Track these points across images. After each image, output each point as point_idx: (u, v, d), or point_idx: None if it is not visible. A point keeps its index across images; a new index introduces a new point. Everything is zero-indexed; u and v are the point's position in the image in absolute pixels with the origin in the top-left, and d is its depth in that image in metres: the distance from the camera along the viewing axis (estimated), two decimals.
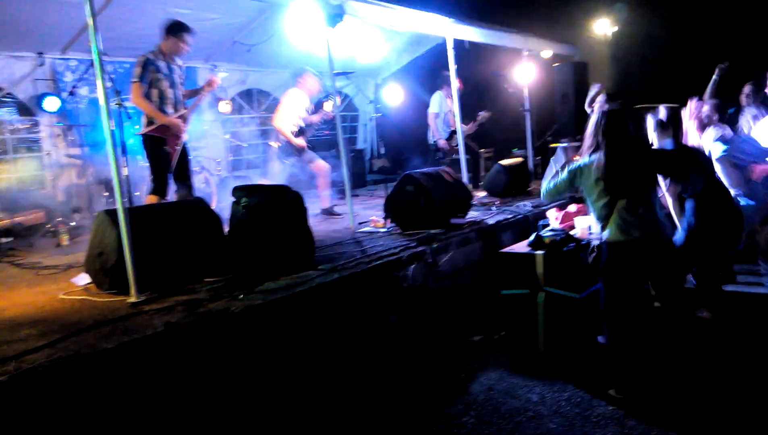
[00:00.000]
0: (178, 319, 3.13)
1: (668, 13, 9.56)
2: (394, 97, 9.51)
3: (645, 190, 3.47)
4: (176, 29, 4.91)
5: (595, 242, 4.32)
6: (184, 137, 5.08)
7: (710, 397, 3.39)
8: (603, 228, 3.53)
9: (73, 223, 6.10)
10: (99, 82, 3.57)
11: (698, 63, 7.08)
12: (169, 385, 2.86)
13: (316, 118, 6.74)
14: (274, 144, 6.83)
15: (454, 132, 7.85)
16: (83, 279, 3.99)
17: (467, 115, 7.91)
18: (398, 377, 3.91)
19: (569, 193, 3.99)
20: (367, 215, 6.16)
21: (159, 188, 4.92)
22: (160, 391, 2.82)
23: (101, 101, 3.58)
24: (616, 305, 3.52)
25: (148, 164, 5.03)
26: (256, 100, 9.38)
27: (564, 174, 3.64)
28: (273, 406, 3.26)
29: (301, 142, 6.56)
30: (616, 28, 11.04)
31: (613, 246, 3.48)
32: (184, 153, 5.18)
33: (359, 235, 5.32)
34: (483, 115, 8.19)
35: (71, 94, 6.40)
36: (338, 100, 5.74)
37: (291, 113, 6.58)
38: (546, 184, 3.80)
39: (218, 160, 7.77)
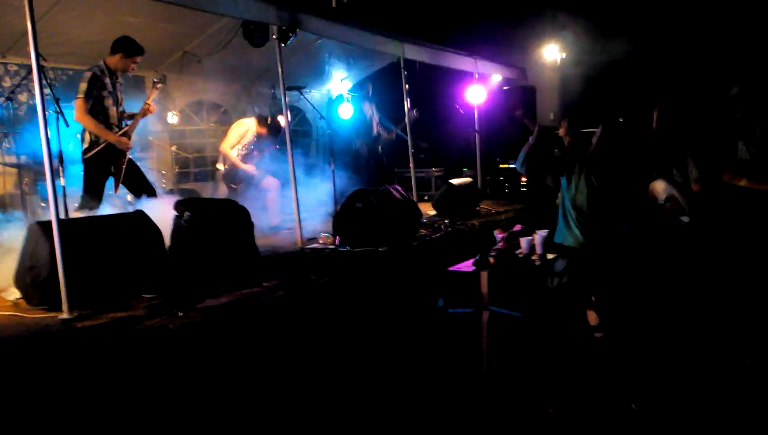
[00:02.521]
0: (111, 336, 3.02)
1: (616, 39, 9.93)
2: (347, 112, 9.52)
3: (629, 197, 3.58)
4: (130, 50, 4.76)
5: (539, 262, 4.41)
6: (128, 154, 4.96)
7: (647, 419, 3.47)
8: (564, 230, 3.60)
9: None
10: (37, 89, 3.46)
11: (646, 89, 7.35)
12: (99, 406, 2.74)
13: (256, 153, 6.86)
14: (221, 167, 6.77)
15: (376, 138, 8.11)
16: (13, 294, 3.80)
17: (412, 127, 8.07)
18: (337, 404, 3.86)
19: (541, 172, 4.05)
20: (317, 230, 6.11)
21: (87, 206, 4.72)
22: (89, 412, 2.69)
23: (38, 108, 3.46)
24: (562, 322, 3.57)
25: (83, 182, 4.84)
26: (206, 112, 9.22)
27: (553, 158, 3.82)
28: (211, 428, 3.16)
29: (249, 167, 6.55)
30: (564, 55, 11.41)
31: (570, 252, 3.55)
32: (134, 167, 5.05)
33: (306, 251, 5.27)
34: (411, 117, 8.26)
35: (9, 99, 6.13)
36: (289, 115, 5.70)
37: (239, 140, 6.62)
38: (522, 157, 3.92)
39: (164, 172, 7.59)
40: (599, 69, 10.18)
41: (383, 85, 9.17)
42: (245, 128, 6.70)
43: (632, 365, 3.62)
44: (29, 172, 6.17)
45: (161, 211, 4.66)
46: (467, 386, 4.03)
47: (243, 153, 6.64)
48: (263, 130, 6.73)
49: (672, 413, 3.52)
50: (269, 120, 6.79)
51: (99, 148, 4.70)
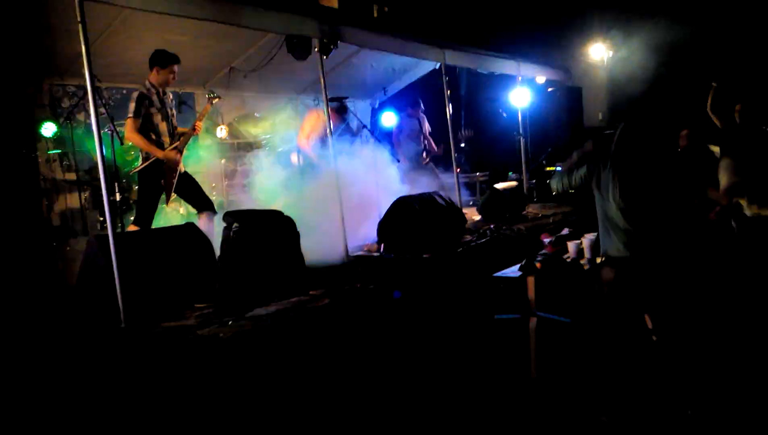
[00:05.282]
0: (165, 345, 3.13)
1: (665, 38, 9.67)
2: (390, 121, 9.57)
3: (665, 202, 3.37)
4: (164, 61, 4.90)
5: (588, 266, 4.32)
6: (181, 168, 5.09)
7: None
8: (605, 240, 3.43)
9: (68, 248, 6.09)
10: (91, 109, 3.62)
11: (695, 87, 7.12)
12: (157, 412, 2.84)
13: None
14: (295, 160, 6.85)
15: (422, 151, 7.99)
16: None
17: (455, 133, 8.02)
18: (382, 408, 3.87)
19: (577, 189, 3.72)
20: (362, 239, 6.15)
21: (141, 220, 4.85)
22: (147, 418, 2.79)
23: (93, 127, 3.62)
24: (613, 328, 3.46)
25: (137, 196, 5.01)
26: (252, 125, 9.43)
27: (584, 169, 3.52)
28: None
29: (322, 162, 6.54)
30: (611, 53, 11.17)
31: (615, 262, 3.39)
32: (190, 180, 5.18)
33: (351, 260, 5.31)
34: (466, 133, 8.25)
35: (68, 119, 6.44)
36: (332, 125, 5.77)
37: (312, 130, 6.66)
38: (559, 174, 3.68)
39: (214, 184, 7.80)
40: (649, 67, 9.92)
41: (426, 92, 9.18)
42: (316, 116, 6.70)
43: (688, 371, 3.50)
44: (88, 188, 6.46)
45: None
46: (516, 393, 3.98)
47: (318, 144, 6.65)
48: (333, 115, 6.71)
49: (729, 420, 3.39)
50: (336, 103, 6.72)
51: (149, 163, 4.85)
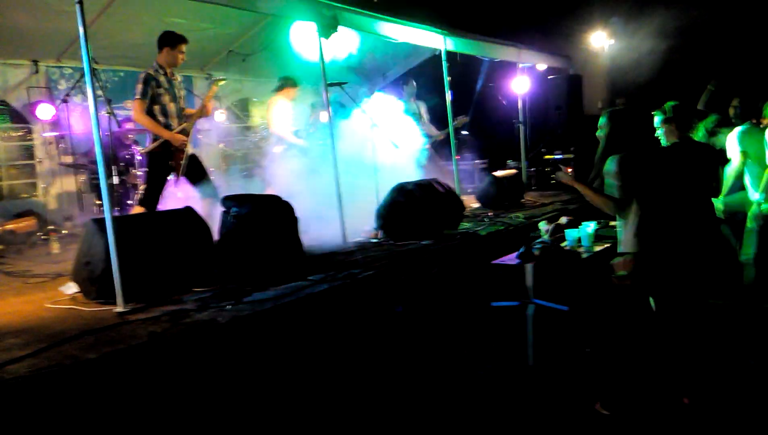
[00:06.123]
0: (163, 329, 3.12)
1: (665, 25, 9.63)
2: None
3: (680, 193, 3.26)
4: (173, 41, 4.89)
5: (586, 255, 4.33)
6: (189, 149, 5.07)
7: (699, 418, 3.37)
8: (633, 235, 3.37)
9: (65, 231, 6.08)
10: (89, 91, 3.59)
11: (694, 76, 7.10)
12: (153, 396, 2.84)
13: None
14: (277, 149, 6.82)
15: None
16: (71, 288, 3.97)
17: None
18: (381, 394, 3.88)
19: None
20: (360, 224, 6.14)
21: (148, 202, 4.87)
22: (144, 402, 2.79)
23: (90, 110, 3.59)
24: (626, 318, 3.43)
25: (145, 177, 5.00)
26: (251, 109, 9.39)
27: (615, 181, 3.23)
28: (258, 420, 3.23)
29: (302, 142, 6.58)
30: (612, 42, 11.13)
31: (637, 256, 3.33)
32: (195, 160, 5.16)
33: (350, 246, 5.31)
34: (459, 119, 8.11)
35: (65, 102, 6.40)
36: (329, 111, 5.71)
37: (283, 117, 6.60)
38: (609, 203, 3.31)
39: (212, 169, 7.76)
40: (649, 55, 9.88)
41: (425, 78, 9.13)
42: (278, 104, 6.64)
43: (685, 358, 3.51)
44: (85, 171, 6.42)
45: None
46: (513, 380, 4.00)
47: (293, 130, 6.65)
48: (291, 94, 6.66)
49: (725, 409, 3.41)
50: (282, 84, 6.67)
51: (157, 143, 4.86)
